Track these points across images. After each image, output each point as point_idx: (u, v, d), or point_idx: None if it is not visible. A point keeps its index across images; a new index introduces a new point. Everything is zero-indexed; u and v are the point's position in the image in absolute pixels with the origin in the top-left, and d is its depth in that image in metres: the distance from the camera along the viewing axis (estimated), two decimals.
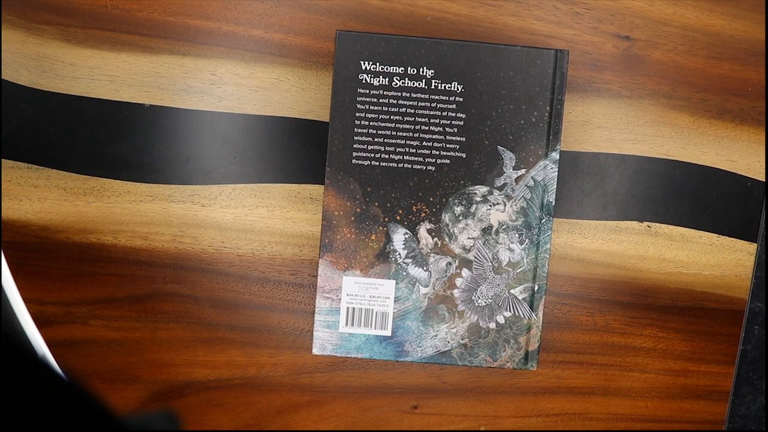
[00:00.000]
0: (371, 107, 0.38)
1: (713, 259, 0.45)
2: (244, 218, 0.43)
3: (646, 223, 0.45)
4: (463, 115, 0.38)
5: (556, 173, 0.39)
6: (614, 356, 0.46)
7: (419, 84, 0.38)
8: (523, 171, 0.38)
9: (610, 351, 0.46)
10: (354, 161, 0.38)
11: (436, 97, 0.38)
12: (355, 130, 0.38)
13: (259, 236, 0.43)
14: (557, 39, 0.43)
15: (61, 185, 0.42)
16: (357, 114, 0.38)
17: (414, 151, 0.38)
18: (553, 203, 0.39)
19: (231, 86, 0.42)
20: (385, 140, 0.38)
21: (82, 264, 0.42)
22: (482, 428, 0.46)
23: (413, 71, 0.38)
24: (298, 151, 0.42)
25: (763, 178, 0.45)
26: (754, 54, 0.44)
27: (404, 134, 0.38)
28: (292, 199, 0.43)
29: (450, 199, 0.38)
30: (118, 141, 0.42)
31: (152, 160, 0.42)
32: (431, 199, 0.38)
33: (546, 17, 0.42)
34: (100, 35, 0.41)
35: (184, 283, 0.43)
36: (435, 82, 0.38)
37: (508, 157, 0.38)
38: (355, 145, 0.38)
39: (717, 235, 0.45)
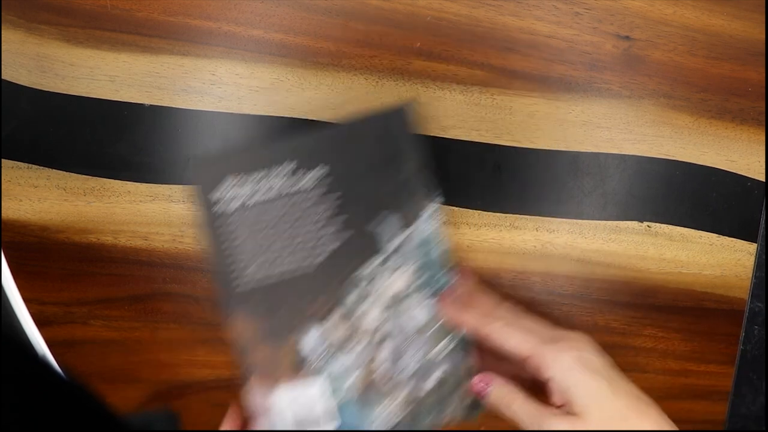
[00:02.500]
0: (241, 230, 0.37)
1: (713, 259, 0.45)
2: None
3: (646, 223, 0.45)
4: (335, 195, 0.37)
5: (439, 224, 0.38)
6: (614, 356, 0.46)
7: (283, 182, 0.37)
8: (409, 230, 0.38)
9: (610, 351, 0.46)
10: (239, 290, 0.36)
11: (303, 187, 0.37)
12: (230, 257, 0.37)
13: None
14: (557, 39, 0.43)
15: (61, 185, 0.42)
16: (225, 243, 0.37)
17: (299, 248, 0.37)
18: (447, 251, 0.38)
19: (231, 86, 0.42)
20: (264, 256, 0.37)
21: (82, 264, 0.42)
22: (482, 428, 0.46)
23: (276, 169, 0.37)
24: None
25: (763, 178, 0.45)
26: (754, 54, 0.44)
27: (280, 241, 0.37)
28: None
29: (347, 282, 0.37)
30: (118, 141, 0.42)
31: (152, 160, 0.42)
32: (330, 289, 0.37)
33: (546, 17, 0.42)
34: (100, 35, 0.41)
35: (184, 283, 0.43)
36: (299, 173, 0.37)
37: (390, 223, 0.38)
38: (233, 273, 0.36)
39: (717, 235, 0.45)
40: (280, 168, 0.37)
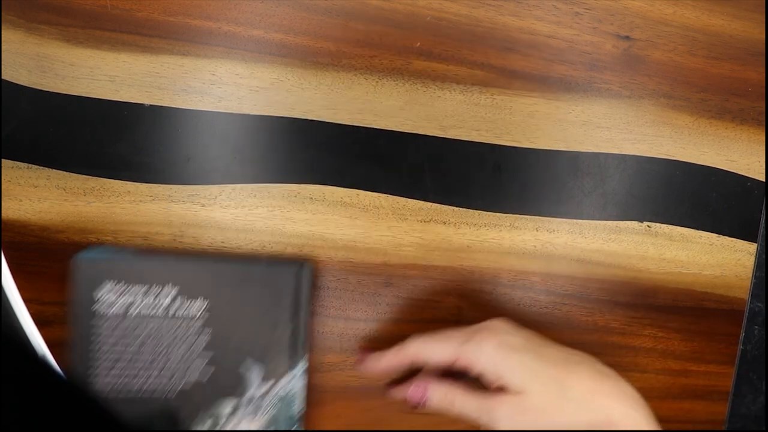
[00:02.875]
0: (110, 335, 0.37)
1: (713, 259, 0.45)
2: (244, 218, 0.43)
3: (646, 223, 0.45)
4: (210, 330, 0.37)
5: (303, 385, 0.39)
6: (614, 356, 0.46)
7: (163, 302, 0.37)
8: (271, 382, 0.38)
9: (610, 351, 0.46)
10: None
11: (181, 314, 0.37)
12: (91, 359, 0.37)
13: (259, 236, 0.43)
14: (557, 39, 0.43)
15: (61, 185, 0.42)
16: (92, 344, 0.37)
17: (158, 373, 0.37)
18: (302, 413, 0.39)
19: (231, 86, 0.42)
20: (126, 368, 0.37)
21: None
22: (482, 428, 0.46)
23: (157, 289, 0.37)
24: (298, 151, 0.42)
25: (763, 178, 0.45)
26: (754, 54, 0.44)
27: (146, 358, 0.37)
28: (292, 199, 0.43)
29: (198, 417, 0.37)
30: (118, 141, 0.42)
31: (152, 160, 0.42)
32: (184, 418, 0.37)
33: (546, 17, 0.42)
34: (100, 35, 0.41)
35: None
36: (180, 299, 0.37)
37: (256, 372, 0.38)
38: (90, 376, 0.37)
39: (717, 235, 0.45)
40: (161, 289, 0.37)
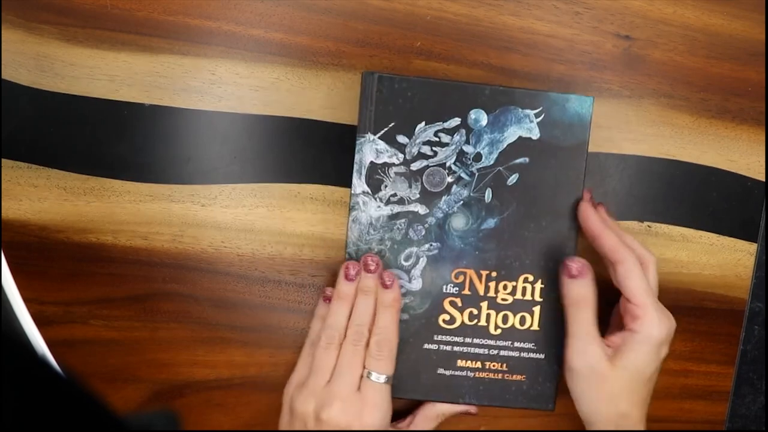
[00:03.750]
0: None
1: (713, 259, 0.45)
2: (244, 218, 0.43)
3: (646, 223, 0.45)
4: None
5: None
6: None
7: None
8: None
9: None
10: None
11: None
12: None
13: (259, 236, 0.43)
14: (557, 39, 0.43)
15: (61, 185, 0.42)
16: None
17: None
18: None
19: (231, 86, 0.41)
20: None
21: (82, 264, 0.42)
22: (482, 428, 0.46)
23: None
24: (298, 151, 0.42)
25: (763, 178, 0.45)
26: (754, 54, 0.44)
27: None
28: (292, 199, 0.43)
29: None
30: (118, 141, 0.42)
31: (152, 160, 0.42)
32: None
33: (546, 17, 0.42)
34: (100, 35, 0.41)
35: (184, 283, 0.43)
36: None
37: None
38: None
39: (717, 235, 0.45)
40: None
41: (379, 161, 0.39)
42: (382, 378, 0.37)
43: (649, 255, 0.39)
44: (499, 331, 0.41)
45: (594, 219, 0.39)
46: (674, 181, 0.44)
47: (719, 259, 0.45)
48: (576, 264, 0.38)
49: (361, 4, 0.41)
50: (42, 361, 0.23)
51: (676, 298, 0.45)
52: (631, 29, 0.43)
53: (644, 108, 0.43)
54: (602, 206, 0.41)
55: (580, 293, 0.38)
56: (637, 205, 0.44)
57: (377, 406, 0.37)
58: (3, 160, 0.41)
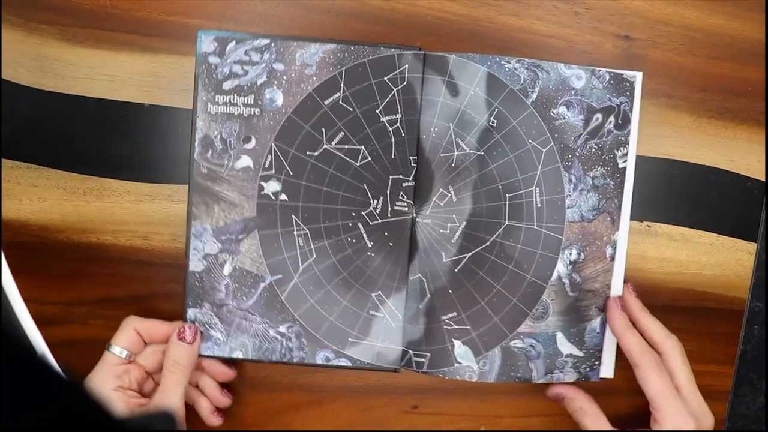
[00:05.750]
0: None
1: (713, 259, 0.45)
2: None
3: (646, 223, 0.45)
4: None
5: None
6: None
7: None
8: None
9: None
10: None
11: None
12: None
13: None
14: (557, 39, 0.43)
15: (61, 185, 0.42)
16: None
17: None
18: None
19: None
20: None
21: (82, 264, 0.42)
22: (482, 428, 0.46)
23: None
24: None
25: (763, 178, 0.45)
26: (754, 54, 0.44)
27: None
28: None
29: None
30: (118, 141, 0.42)
31: (152, 160, 0.42)
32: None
33: (546, 17, 0.42)
34: (100, 35, 0.41)
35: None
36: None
37: None
38: None
39: (717, 234, 0.45)
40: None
41: None
42: None
43: (672, 343, 0.40)
44: None
45: (618, 321, 0.41)
46: (674, 181, 0.44)
47: (719, 258, 0.45)
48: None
49: (361, 4, 0.41)
50: (42, 361, 0.23)
51: (675, 297, 0.45)
52: (631, 29, 0.43)
53: (644, 108, 0.43)
54: (630, 290, 0.43)
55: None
56: (637, 205, 0.44)
57: None
58: (3, 160, 0.41)
